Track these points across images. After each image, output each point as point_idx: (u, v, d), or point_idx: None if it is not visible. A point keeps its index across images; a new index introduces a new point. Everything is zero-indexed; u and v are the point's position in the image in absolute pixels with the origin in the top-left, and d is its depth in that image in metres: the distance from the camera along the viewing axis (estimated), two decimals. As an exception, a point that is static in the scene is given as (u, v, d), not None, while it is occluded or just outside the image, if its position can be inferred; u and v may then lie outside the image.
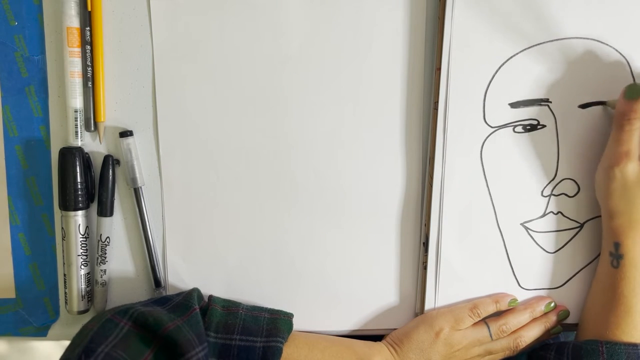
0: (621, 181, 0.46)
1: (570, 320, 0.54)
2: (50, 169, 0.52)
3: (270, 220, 0.53)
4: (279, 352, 0.46)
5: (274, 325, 0.48)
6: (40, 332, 0.54)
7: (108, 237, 0.52)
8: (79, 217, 0.50)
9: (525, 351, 0.53)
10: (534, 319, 0.53)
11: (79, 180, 0.50)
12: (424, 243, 0.54)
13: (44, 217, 0.53)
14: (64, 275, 0.52)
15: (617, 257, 0.48)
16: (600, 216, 0.52)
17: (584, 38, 0.50)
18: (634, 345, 0.47)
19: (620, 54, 0.50)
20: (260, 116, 0.51)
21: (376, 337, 0.54)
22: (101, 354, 0.40)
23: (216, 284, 0.54)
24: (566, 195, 0.52)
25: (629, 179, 0.46)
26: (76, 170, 0.50)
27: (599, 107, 0.51)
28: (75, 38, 0.49)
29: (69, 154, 0.49)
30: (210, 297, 0.51)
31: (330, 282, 0.54)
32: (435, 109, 0.51)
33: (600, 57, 0.50)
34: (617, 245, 0.48)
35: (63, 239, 0.51)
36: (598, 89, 0.50)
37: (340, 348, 0.50)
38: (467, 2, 0.49)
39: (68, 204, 0.50)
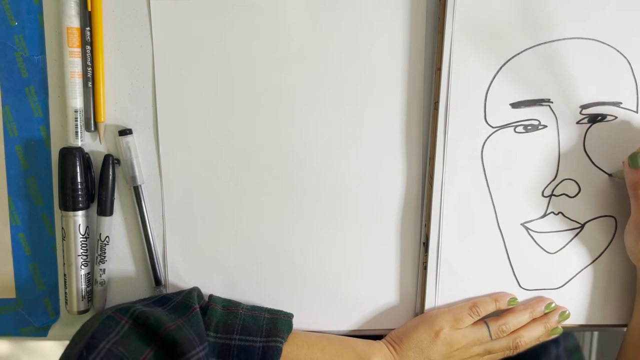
0: None
1: (570, 321, 0.54)
2: (50, 169, 0.52)
3: (270, 219, 0.53)
4: (278, 352, 0.46)
5: (273, 326, 0.48)
6: (41, 332, 0.54)
7: (107, 236, 0.52)
8: (79, 217, 0.50)
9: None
10: (534, 319, 0.53)
11: (79, 180, 0.50)
12: (424, 243, 0.54)
13: (44, 217, 0.53)
14: (64, 275, 0.52)
15: None
16: (600, 217, 0.52)
17: (585, 38, 0.49)
18: None
19: (621, 54, 0.50)
20: (260, 116, 0.51)
21: (376, 337, 0.54)
22: (103, 350, 0.40)
23: (216, 284, 0.54)
24: (567, 195, 0.52)
25: None
26: (76, 170, 0.50)
27: (599, 108, 0.51)
28: (75, 38, 0.49)
29: (69, 154, 0.49)
30: (211, 296, 0.51)
31: (330, 282, 0.54)
32: (436, 109, 0.51)
33: (602, 58, 0.50)
34: None
35: (63, 239, 0.51)
36: (599, 89, 0.50)
37: (340, 347, 0.50)
38: (467, 2, 0.49)
39: (68, 204, 0.50)
